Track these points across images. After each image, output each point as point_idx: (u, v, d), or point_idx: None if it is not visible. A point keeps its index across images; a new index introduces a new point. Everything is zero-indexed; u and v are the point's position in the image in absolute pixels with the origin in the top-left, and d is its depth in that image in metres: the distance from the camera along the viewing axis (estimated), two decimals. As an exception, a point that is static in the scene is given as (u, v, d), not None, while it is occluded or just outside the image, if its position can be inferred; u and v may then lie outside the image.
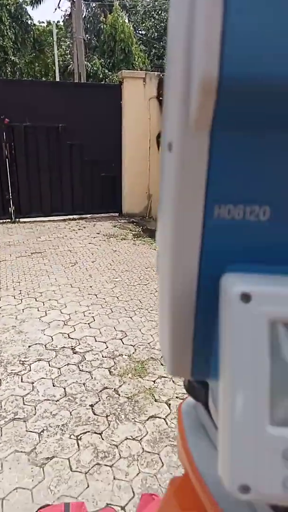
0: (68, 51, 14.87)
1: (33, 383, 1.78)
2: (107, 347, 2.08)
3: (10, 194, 4.62)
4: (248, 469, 0.15)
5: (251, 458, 0.15)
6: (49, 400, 1.67)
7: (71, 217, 4.91)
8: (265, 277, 0.17)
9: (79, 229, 4.49)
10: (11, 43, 12.96)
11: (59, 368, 1.89)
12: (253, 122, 0.16)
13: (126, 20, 12.83)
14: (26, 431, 1.50)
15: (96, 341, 2.15)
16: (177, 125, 0.17)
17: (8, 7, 12.68)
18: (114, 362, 1.93)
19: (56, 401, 1.66)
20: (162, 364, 1.90)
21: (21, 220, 4.73)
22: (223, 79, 0.14)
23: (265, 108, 0.15)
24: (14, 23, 13.08)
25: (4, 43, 12.67)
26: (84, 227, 4.59)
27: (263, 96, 0.14)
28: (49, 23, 15.53)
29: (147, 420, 1.56)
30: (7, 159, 4.50)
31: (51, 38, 14.29)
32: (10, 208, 4.68)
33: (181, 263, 0.19)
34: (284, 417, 0.15)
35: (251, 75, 0.14)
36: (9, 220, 4.70)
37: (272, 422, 0.15)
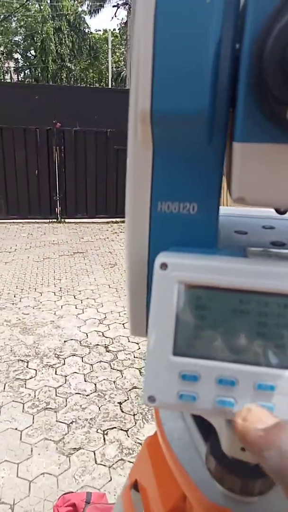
0: (122, 58, 15.28)
1: (66, 376, 1.89)
2: (139, 348, 2.13)
3: (58, 196, 4.86)
4: (155, 384, 0.20)
5: (158, 377, 0.21)
6: (80, 394, 1.76)
7: (114, 220, 5.04)
8: (184, 254, 0.22)
9: (120, 232, 4.61)
10: (68, 50, 13.60)
11: (91, 365, 1.98)
12: (178, 140, 0.21)
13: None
14: (56, 421, 1.60)
15: (129, 341, 2.21)
16: (131, 142, 0.23)
17: (67, 17, 13.33)
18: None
19: (87, 395, 1.75)
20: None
21: (66, 220, 4.96)
22: (153, 113, 0.20)
23: (181, 130, 0.20)
24: (72, 32, 13.72)
25: (62, 50, 13.34)
26: (125, 230, 4.69)
27: (179, 121, 0.20)
28: (105, 31, 16.06)
29: (172, 425, 1.59)
30: (56, 162, 4.74)
31: (106, 46, 14.76)
32: (56, 209, 4.92)
33: (136, 243, 0.25)
34: (181, 350, 0.21)
35: (172, 110, 0.19)
36: (55, 220, 4.94)
37: (174, 353, 0.21)
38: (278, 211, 0.27)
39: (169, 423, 0.31)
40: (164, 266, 0.21)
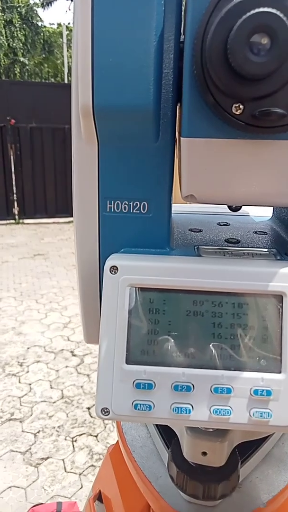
0: (77, 53, 14.94)
1: (30, 384, 1.82)
2: (105, 350, 2.11)
3: (15, 195, 4.68)
4: (108, 396, 0.19)
5: (111, 388, 0.20)
6: (46, 401, 1.70)
7: (75, 219, 4.94)
8: (135, 255, 0.21)
9: (82, 231, 4.53)
10: (21, 44, 13.09)
11: (57, 370, 1.92)
12: (123, 135, 0.20)
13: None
14: (22, 431, 1.53)
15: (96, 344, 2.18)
16: (75, 139, 0.22)
17: (19, 9, 12.82)
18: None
19: (53, 402, 1.69)
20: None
21: (25, 221, 4.78)
22: (94, 107, 0.19)
23: (126, 125, 0.20)
24: (24, 25, 13.22)
25: (14, 44, 12.81)
26: (87, 229, 4.62)
27: (122, 116, 0.19)
28: (59, 25, 15.67)
29: (141, 424, 1.59)
30: (12, 160, 4.56)
31: (61, 40, 14.41)
32: (14, 209, 4.73)
33: (85, 247, 0.24)
34: (135, 358, 0.20)
35: (114, 104, 0.19)
36: (13, 221, 4.75)
37: (127, 361, 0.20)
38: (230, 208, 0.27)
39: (131, 431, 0.30)
40: (114, 269, 0.20)
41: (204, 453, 0.22)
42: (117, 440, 0.32)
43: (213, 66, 0.16)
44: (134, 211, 0.22)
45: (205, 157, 0.19)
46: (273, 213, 0.31)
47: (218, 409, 0.18)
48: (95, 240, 0.23)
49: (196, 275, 0.20)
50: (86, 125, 0.20)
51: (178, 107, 0.21)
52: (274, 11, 0.15)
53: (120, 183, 0.22)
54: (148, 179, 0.21)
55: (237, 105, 0.17)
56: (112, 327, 0.20)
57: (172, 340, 0.19)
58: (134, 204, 0.22)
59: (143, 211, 0.22)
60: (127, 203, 0.22)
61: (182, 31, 0.20)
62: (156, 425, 0.29)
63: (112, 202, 0.22)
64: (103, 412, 0.19)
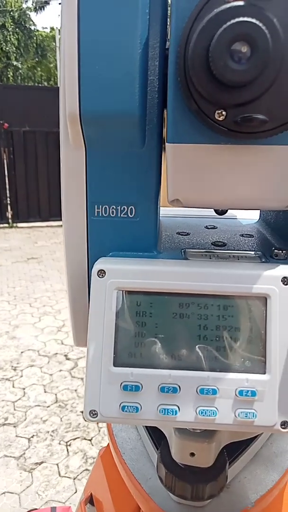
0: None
1: (24, 388, 1.80)
2: (100, 354, 2.10)
3: (8, 199, 4.65)
4: (96, 398, 0.20)
5: (99, 390, 0.20)
6: (40, 406, 1.69)
7: (68, 222, 4.92)
8: (122, 259, 0.21)
9: (76, 235, 4.52)
10: (14, 48, 13.08)
11: (51, 374, 1.91)
12: (109, 141, 0.21)
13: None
14: (16, 436, 1.52)
15: (88, 347, 2.17)
16: (63, 145, 0.22)
17: (11, 13, 12.82)
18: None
19: (47, 407, 1.68)
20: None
21: (19, 225, 4.76)
22: (81, 113, 0.19)
23: (112, 131, 0.20)
24: (17, 29, 13.21)
25: (7, 48, 12.79)
26: (81, 233, 4.61)
27: (108, 122, 0.20)
28: (52, 28, 15.69)
29: (136, 427, 1.58)
30: (5, 164, 4.54)
31: (54, 44, 14.43)
32: (7, 213, 4.70)
33: (73, 251, 0.24)
34: (122, 360, 0.20)
35: (100, 110, 0.19)
36: (7, 225, 4.72)
37: (115, 364, 0.20)
38: (217, 211, 0.28)
39: (121, 433, 0.30)
40: (101, 273, 0.20)
41: (192, 454, 0.22)
42: (108, 443, 0.32)
43: (195, 73, 0.17)
44: (121, 215, 0.22)
45: (189, 162, 0.19)
46: (260, 216, 0.31)
47: (204, 410, 0.19)
48: (84, 244, 0.23)
49: (182, 278, 0.20)
50: (73, 131, 0.20)
51: (164, 113, 0.21)
52: (253, 20, 0.16)
53: (107, 187, 0.22)
54: (135, 184, 0.22)
55: (219, 111, 0.18)
56: (99, 330, 0.20)
57: (159, 342, 0.20)
58: (122, 209, 0.22)
59: (131, 215, 0.22)
60: (114, 207, 0.22)
61: (167, 39, 0.20)
62: (146, 427, 0.29)
63: (100, 206, 0.22)
64: (91, 414, 0.19)
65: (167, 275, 0.20)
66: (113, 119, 0.19)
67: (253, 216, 0.32)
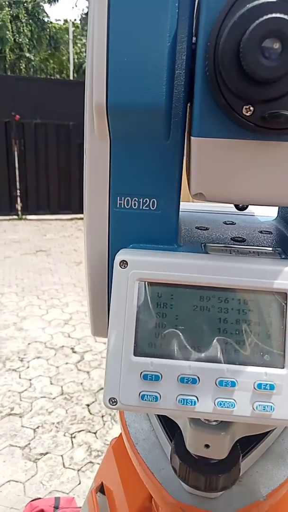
0: (83, 49, 14.97)
1: (30, 380, 1.83)
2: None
3: (18, 191, 4.68)
4: (116, 386, 0.20)
5: (119, 378, 0.20)
6: (45, 397, 1.71)
7: (78, 216, 4.94)
8: (144, 251, 0.22)
9: (84, 229, 4.53)
10: (27, 40, 13.08)
11: (57, 367, 1.93)
12: (135, 134, 0.21)
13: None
14: (22, 426, 1.54)
15: (96, 341, 2.19)
16: (88, 137, 0.22)
17: (25, 4, 12.81)
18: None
19: (53, 399, 1.70)
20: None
21: (28, 217, 4.79)
22: (108, 105, 0.19)
23: (138, 124, 0.20)
24: (30, 20, 13.21)
25: (20, 39, 12.80)
26: (90, 227, 4.61)
27: (134, 115, 0.20)
28: (65, 21, 15.64)
29: (140, 421, 1.59)
30: (16, 156, 4.56)
31: (67, 36, 14.39)
32: (17, 205, 4.74)
33: (94, 241, 0.24)
34: (143, 350, 0.20)
35: (127, 103, 0.19)
36: (16, 217, 4.76)
37: (135, 353, 0.20)
38: (237, 207, 0.28)
39: (134, 424, 0.31)
40: (124, 263, 0.21)
41: (207, 446, 0.23)
42: (120, 434, 0.33)
43: (225, 69, 0.17)
44: (143, 207, 0.23)
45: (214, 156, 0.19)
46: (278, 213, 0.31)
47: (222, 401, 0.19)
48: (105, 235, 0.24)
49: (203, 271, 0.20)
50: (99, 123, 0.21)
51: (188, 106, 0.22)
52: (286, 17, 0.16)
53: (130, 180, 0.22)
54: (158, 177, 0.22)
55: (247, 106, 0.18)
56: (121, 320, 0.20)
57: (179, 334, 0.20)
58: (144, 201, 0.22)
59: (153, 207, 0.23)
60: (137, 199, 0.23)
61: (194, 33, 0.20)
62: (159, 418, 0.29)
63: (123, 198, 0.23)
64: (111, 402, 0.20)
65: (188, 268, 0.20)
66: (139, 112, 0.19)
67: (271, 213, 0.32)
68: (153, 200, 0.22)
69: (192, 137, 0.19)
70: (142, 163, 0.22)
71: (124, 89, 0.19)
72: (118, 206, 0.23)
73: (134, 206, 0.23)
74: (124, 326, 0.20)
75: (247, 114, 0.18)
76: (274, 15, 0.16)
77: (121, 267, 0.21)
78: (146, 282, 0.20)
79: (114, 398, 0.20)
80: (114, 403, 0.20)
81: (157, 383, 0.20)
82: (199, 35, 0.18)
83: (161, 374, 0.20)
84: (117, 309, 0.20)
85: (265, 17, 0.16)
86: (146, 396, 0.19)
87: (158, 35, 0.18)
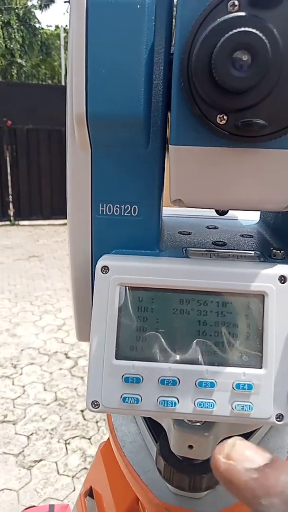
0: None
1: (24, 386, 1.81)
2: (99, 353, 2.10)
3: (10, 197, 4.66)
4: (98, 389, 0.20)
5: (101, 382, 0.20)
6: (39, 403, 1.70)
7: (70, 221, 4.92)
8: (125, 256, 0.22)
9: (77, 234, 4.52)
10: (18, 46, 13.10)
11: (51, 373, 1.92)
12: (115, 142, 0.22)
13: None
14: (15, 433, 1.53)
15: (88, 346, 2.18)
16: (69, 145, 0.23)
17: (16, 10, 12.85)
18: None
19: (47, 405, 1.69)
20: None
21: (21, 223, 4.77)
22: (88, 115, 0.20)
23: (117, 133, 0.21)
24: (22, 27, 13.24)
25: (12, 45, 12.81)
26: (83, 232, 4.61)
27: (114, 124, 0.20)
28: (57, 27, 15.71)
29: (135, 426, 1.59)
30: (8, 161, 4.55)
31: (59, 42, 14.45)
32: (9, 211, 4.71)
33: (78, 248, 0.24)
34: (124, 353, 0.21)
35: (106, 113, 0.20)
36: (9, 223, 4.73)
37: (117, 356, 0.21)
38: (217, 212, 0.28)
39: (122, 427, 0.31)
40: (105, 269, 0.21)
41: (190, 447, 0.23)
42: (108, 437, 0.33)
43: (198, 80, 0.18)
44: (125, 214, 0.23)
45: (192, 164, 0.20)
46: (260, 217, 0.32)
47: (202, 402, 0.19)
48: (88, 241, 0.24)
49: (183, 275, 0.21)
50: (80, 132, 0.21)
51: (168, 115, 0.22)
52: (254, 30, 0.16)
53: (112, 187, 0.23)
54: (139, 184, 0.23)
55: (221, 115, 0.18)
56: (102, 324, 0.20)
57: (160, 337, 0.21)
58: (126, 207, 0.23)
59: (134, 214, 0.23)
60: (118, 206, 0.23)
61: (171, 43, 0.21)
62: (146, 421, 0.30)
63: (104, 205, 0.23)
64: (93, 405, 0.20)
65: (169, 272, 0.21)
66: (119, 121, 0.20)
67: (254, 217, 0.33)
68: (135, 207, 0.23)
69: (170, 145, 0.20)
70: (123, 170, 0.22)
71: (103, 100, 0.19)
72: (100, 212, 0.23)
73: (116, 212, 0.23)
74: (106, 330, 0.20)
75: (221, 123, 0.18)
76: (243, 28, 0.17)
77: (102, 273, 0.21)
78: (127, 287, 0.21)
79: (96, 401, 0.20)
80: (97, 406, 0.20)
81: (138, 385, 0.20)
82: (175, 47, 0.19)
83: (142, 377, 0.20)
84: (98, 314, 0.21)
85: (235, 30, 0.16)
86: (127, 398, 0.20)
87: (135, 46, 0.19)
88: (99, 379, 0.20)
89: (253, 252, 0.24)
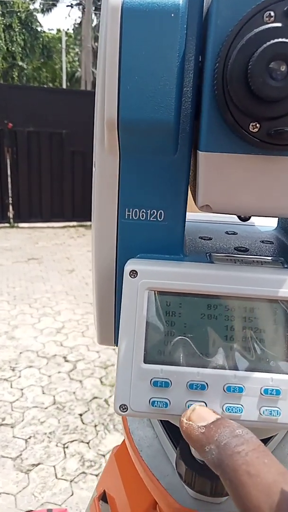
0: (76, 59, 15.13)
1: (22, 389, 1.80)
2: (100, 357, 2.10)
3: (10, 199, 4.66)
4: (126, 393, 0.20)
5: (129, 385, 0.21)
6: (37, 407, 1.68)
7: (70, 224, 4.94)
8: (152, 261, 0.22)
9: (78, 237, 4.53)
10: (20, 49, 13.17)
11: (49, 376, 1.91)
12: (144, 148, 0.22)
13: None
14: (13, 437, 1.51)
15: (88, 350, 2.17)
16: (98, 149, 0.23)
17: (18, 14, 12.93)
18: (106, 372, 1.95)
19: (45, 408, 1.68)
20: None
21: (20, 225, 4.76)
22: (119, 121, 0.20)
23: (147, 139, 0.21)
24: (24, 30, 13.32)
25: (13, 48, 12.88)
26: (84, 235, 4.62)
27: (144, 130, 0.21)
28: (58, 30, 15.81)
29: (134, 430, 1.58)
30: (8, 163, 4.55)
31: (60, 45, 14.53)
32: (9, 213, 4.71)
33: (102, 251, 0.25)
34: (152, 357, 0.21)
35: (138, 119, 0.20)
36: (8, 225, 4.72)
37: (145, 361, 0.21)
38: (240, 218, 0.29)
39: (138, 431, 0.31)
40: (133, 273, 0.21)
41: None
42: (123, 441, 0.33)
43: (233, 88, 0.18)
44: (151, 218, 0.23)
45: (221, 170, 0.20)
46: (278, 223, 0.33)
47: (230, 406, 0.20)
48: (113, 245, 0.24)
49: (210, 280, 0.21)
50: (110, 137, 0.21)
51: (195, 121, 0.22)
52: None
53: (139, 192, 0.23)
54: (166, 189, 0.23)
55: (254, 123, 0.19)
56: (131, 328, 0.21)
57: (188, 341, 0.21)
58: (151, 212, 0.23)
59: (160, 219, 0.23)
60: (144, 211, 0.23)
61: (200, 51, 0.22)
62: (163, 425, 0.30)
63: (131, 209, 0.23)
64: (122, 409, 0.20)
65: (196, 277, 0.21)
66: (149, 127, 0.20)
67: (271, 223, 0.33)
68: (161, 212, 0.23)
69: (199, 151, 0.20)
70: (151, 176, 0.23)
71: (135, 106, 0.20)
72: (126, 217, 0.23)
73: (142, 217, 0.23)
74: (135, 334, 0.21)
75: (254, 131, 0.19)
76: (280, 39, 0.17)
77: (131, 277, 0.21)
78: (156, 291, 0.21)
79: (124, 405, 0.20)
80: (125, 410, 0.20)
81: (166, 389, 0.20)
82: (207, 55, 0.19)
83: (170, 381, 0.20)
84: (127, 318, 0.21)
85: (272, 41, 0.17)
86: (156, 402, 0.20)
87: (167, 54, 0.19)
88: (127, 383, 0.20)
89: (276, 258, 0.25)
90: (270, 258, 0.25)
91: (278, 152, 0.19)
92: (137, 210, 0.23)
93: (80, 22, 13.51)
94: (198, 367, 0.20)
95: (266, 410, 0.19)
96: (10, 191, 4.63)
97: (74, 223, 4.95)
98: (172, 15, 0.19)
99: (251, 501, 0.15)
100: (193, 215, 0.34)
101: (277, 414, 0.19)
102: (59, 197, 4.83)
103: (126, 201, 0.23)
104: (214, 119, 0.19)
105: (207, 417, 0.18)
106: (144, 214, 0.23)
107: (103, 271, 0.25)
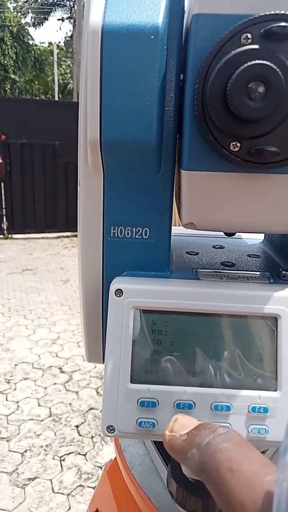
0: (68, 71, 15.28)
1: (18, 402, 1.77)
2: (95, 367, 2.07)
3: (4, 210, 4.65)
4: (113, 414, 0.20)
5: (116, 406, 0.20)
6: (33, 419, 1.66)
7: (64, 234, 4.93)
8: (138, 279, 0.22)
9: (72, 247, 4.52)
10: (12, 62, 13.28)
11: (45, 388, 1.88)
12: (127, 167, 0.22)
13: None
14: (9, 451, 1.48)
15: (84, 360, 2.15)
16: (82, 169, 0.23)
17: (10, 27, 13.07)
18: (102, 382, 1.93)
19: (41, 421, 1.65)
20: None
21: (14, 236, 4.74)
22: (102, 141, 0.20)
23: (130, 158, 0.21)
24: (15, 43, 13.46)
25: (5, 61, 12.99)
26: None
27: (127, 150, 0.21)
28: (50, 43, 15.99)
29: (132, 442, 1.55)
30: (2, 175, 4.55)
31: (52, 58, 14.69)
32: (3, 224, 4.69)
33: (89, 269, 0.25)
34: (139, 377, 0.20)
35: (119, 139, 0.20)
36: (2, 236, 4.70)
37: (132, 380, 0.20)
38: (225, 233, 0.29)
39: (129, 448, 0.30)
40: (119, 292, 0.21)
41: None
42: (115, 458, 0.33)
43: (213, 109, 0.18)
44: (136, 236, 0.23)
45: (204, 189, 0.20)
46: (264, 236, 0.33)
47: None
48: (99, 263, 0.24)
49: (196, 298, 0.21)
50: (93, 158, 0.21)
51: (177, 139, 0.23)
52: (268, 63, 0.17)
53: (124, 210, 0.23)
54: (150, 207, 0.23)
55: (234, 143, 0.19)
56: (117, 347, 0.20)
57: (174, 360, 0.21)
58: (137, 230, 0.23)
59: (145, 236, 0.23)
60: (130, 229, 0.23)
61: (181, 71, 0.22)
62: (154, 442, 0.29)
63: (116, 228, 0.23)
64: (109, 430, 0.20)
65: (182, 295, 0.21)
66: (132, 147, 0.20)
67: (258, 236, 0.33)
68: (146, 229, 0.23)
69: (182, 170, 0.20)
70: (135, 194, 0.23)
71: (117, 126, 0.20)
72: (111, 235, 0.23)
73: (127, 235, 0.23)
74: (121, 354, 0.20)
75: (235, 150, 0.19)
76: (258, 61, 0.17)
77: (116, 296, 0.21)
78: (141, 310, 0.21)
79: (112, 426, 0.20)
80: (112, 431, 0.20)
81: (154, 409, 0.20)
82: (187, 75, 0.19)
83: (157, 401, 0.20)
84: (113, 337, 0.21)
85: (250, 63, 0.17)
86: (143, 423, 0.20)
87: (148, 76, 0.20)
88: (114, 403, 0.20)
89: (262, 273, 0.25)
90: (256, 273, 0.25)
91: (260, 170, 0.20)
92: (122, 228, 0.23)
93: (71, 35, 13.70)
94: (185, 386, 0.20)
95: (254, 428, 0.19)
96: (3, 203, 4.62)
97: (68, 233, 4.94)
98: (152, 37, 0.19)
99: (234, 498, 0.14)
100: (181, 229, 0.34)
101: (265, 432, 0.19)
102: (52, 208, 4.83)
103: (111, 219, 0.23)
104: (196, 139, 0.20)
105: (189, 424, 0.18)
106: (129, 232, 0.23)
107: (90, 288, 0.25)
